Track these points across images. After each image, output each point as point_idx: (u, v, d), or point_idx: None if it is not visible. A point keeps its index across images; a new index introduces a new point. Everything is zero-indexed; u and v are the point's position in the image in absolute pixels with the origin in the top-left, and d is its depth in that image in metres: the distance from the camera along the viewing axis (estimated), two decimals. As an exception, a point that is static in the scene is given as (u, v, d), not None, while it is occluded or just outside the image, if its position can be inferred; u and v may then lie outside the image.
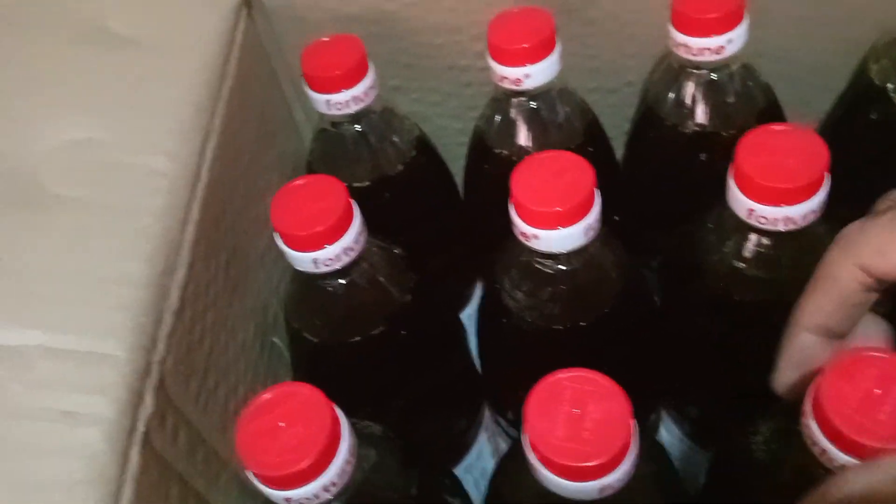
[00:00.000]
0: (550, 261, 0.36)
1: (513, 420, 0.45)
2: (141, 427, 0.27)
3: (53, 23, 0.38)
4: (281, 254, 0.35)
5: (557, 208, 0.33)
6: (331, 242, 0.35)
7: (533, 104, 0.43)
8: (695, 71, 0.41)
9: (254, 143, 0.42)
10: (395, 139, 0.46)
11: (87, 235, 0.30)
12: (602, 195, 0.34)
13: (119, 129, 0.34)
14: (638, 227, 0.43)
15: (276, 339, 0.43)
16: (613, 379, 0.28)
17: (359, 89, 0.42)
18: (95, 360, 0.27)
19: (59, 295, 0.28)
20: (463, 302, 0.54)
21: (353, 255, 0.36)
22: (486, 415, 0.49)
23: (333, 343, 0.39)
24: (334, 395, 0.28)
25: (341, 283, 0.37)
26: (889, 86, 0.42)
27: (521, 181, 0.34)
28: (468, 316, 0.53)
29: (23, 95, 0.34)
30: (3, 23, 0.37)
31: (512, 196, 0.34)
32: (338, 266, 0.36)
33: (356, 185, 0.44)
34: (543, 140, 0.44)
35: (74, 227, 0.30)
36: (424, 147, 0.47)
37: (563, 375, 0.28)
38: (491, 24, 0.41)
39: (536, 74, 0.41)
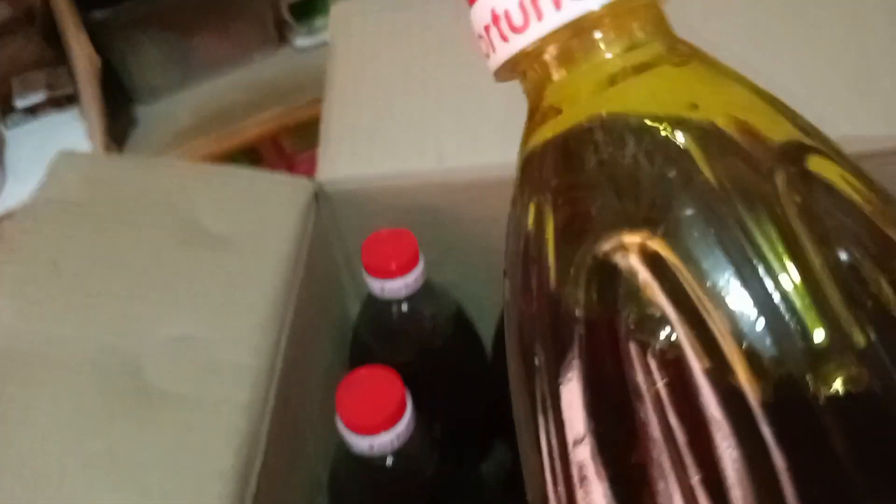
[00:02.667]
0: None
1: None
2: None
3: (154, 219, 0.43)
4: (328, 425, 0.41)
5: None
6: (386, 429, 0.40)
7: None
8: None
9: (314, 321, 0.47)
10: (436, 315, 0.51)
11: (186, 430, 0.35)
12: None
13: (212, 327, 0.39)
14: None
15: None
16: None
17: (409, 278, 0.47)
18: (194, 550, 0.32)
19: (162, 488, 0.33)
20: (482, 457, 0.59)
21: (402, 440, 0.41)
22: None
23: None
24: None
25: (388, 463, 0.42)
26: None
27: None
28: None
29: (129, 292, 0.40)
30: (109, 218, 0.43)
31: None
32: (388, 450, 0.41)
33: (399, 358, 0.49)
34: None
35: (175, 422, 0.35)
36: (461, 321, 0.53)
37: None
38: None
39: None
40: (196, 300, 0.40)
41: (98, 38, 0.77)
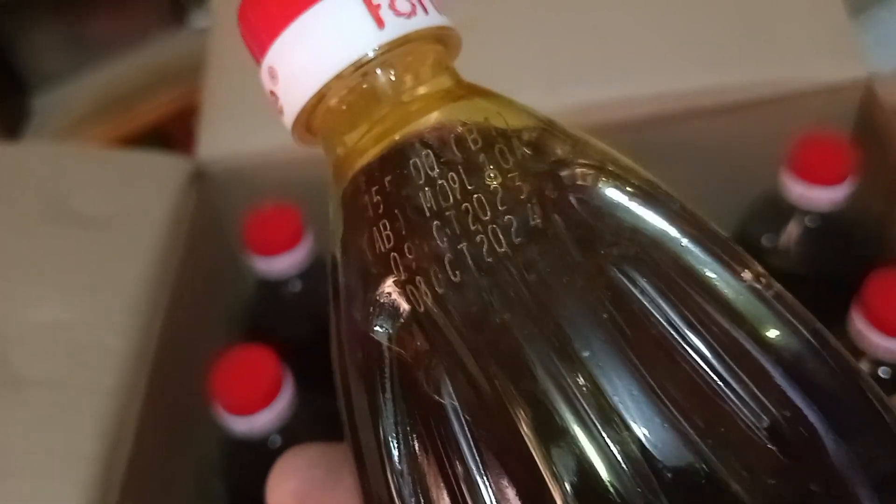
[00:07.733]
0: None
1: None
2: None
3: (22, 201, 0.42)
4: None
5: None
6: (264, 407, 0.39)
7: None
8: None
9: (200, 303, 0.46)
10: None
11: (51, 414, 0.34)
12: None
13: (81, 310, 0.38)
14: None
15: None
16: None
17: (295, 255, 0.47)
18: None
19: (26, 470, 0.32)
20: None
21: (284, 418, 0.40)
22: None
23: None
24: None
25: (274, 443, 0.41)
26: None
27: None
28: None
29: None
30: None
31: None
32: (271, 429, 0.40)
33: (290, 337, 0.49)
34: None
35: (40, 406, 0.34)
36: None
37: None
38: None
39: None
40: (65, 283, 0.39)
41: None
